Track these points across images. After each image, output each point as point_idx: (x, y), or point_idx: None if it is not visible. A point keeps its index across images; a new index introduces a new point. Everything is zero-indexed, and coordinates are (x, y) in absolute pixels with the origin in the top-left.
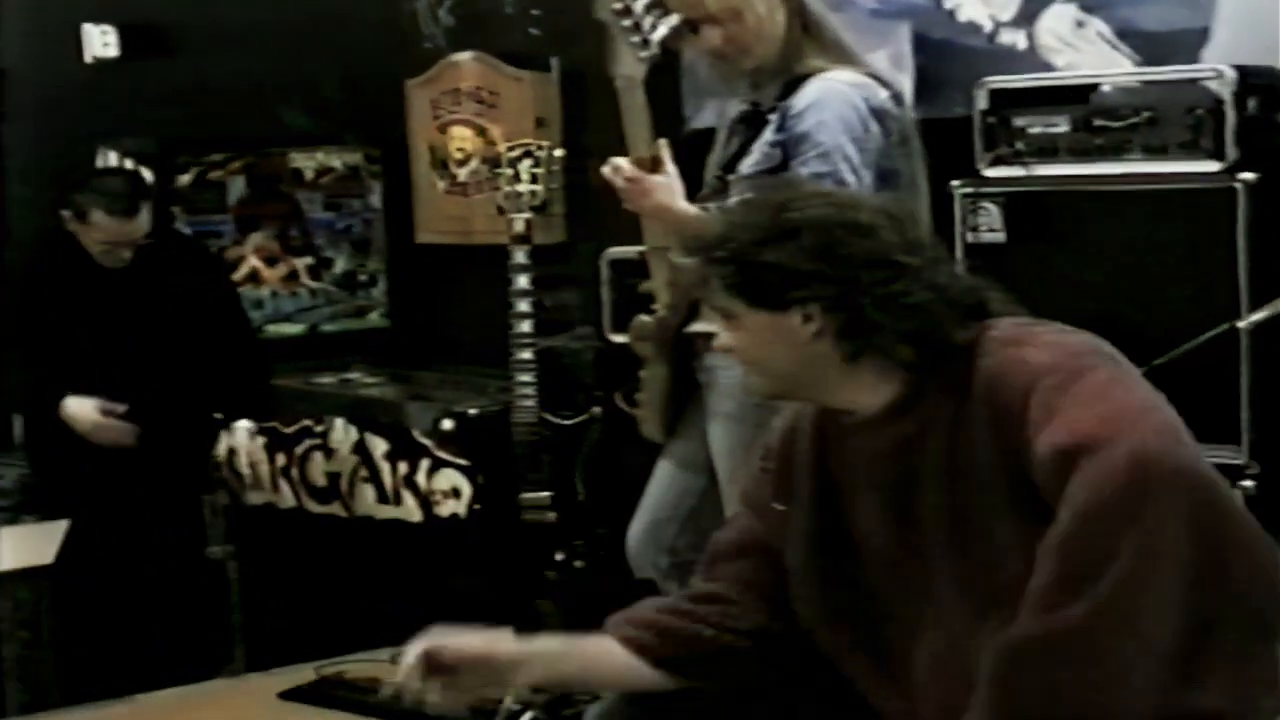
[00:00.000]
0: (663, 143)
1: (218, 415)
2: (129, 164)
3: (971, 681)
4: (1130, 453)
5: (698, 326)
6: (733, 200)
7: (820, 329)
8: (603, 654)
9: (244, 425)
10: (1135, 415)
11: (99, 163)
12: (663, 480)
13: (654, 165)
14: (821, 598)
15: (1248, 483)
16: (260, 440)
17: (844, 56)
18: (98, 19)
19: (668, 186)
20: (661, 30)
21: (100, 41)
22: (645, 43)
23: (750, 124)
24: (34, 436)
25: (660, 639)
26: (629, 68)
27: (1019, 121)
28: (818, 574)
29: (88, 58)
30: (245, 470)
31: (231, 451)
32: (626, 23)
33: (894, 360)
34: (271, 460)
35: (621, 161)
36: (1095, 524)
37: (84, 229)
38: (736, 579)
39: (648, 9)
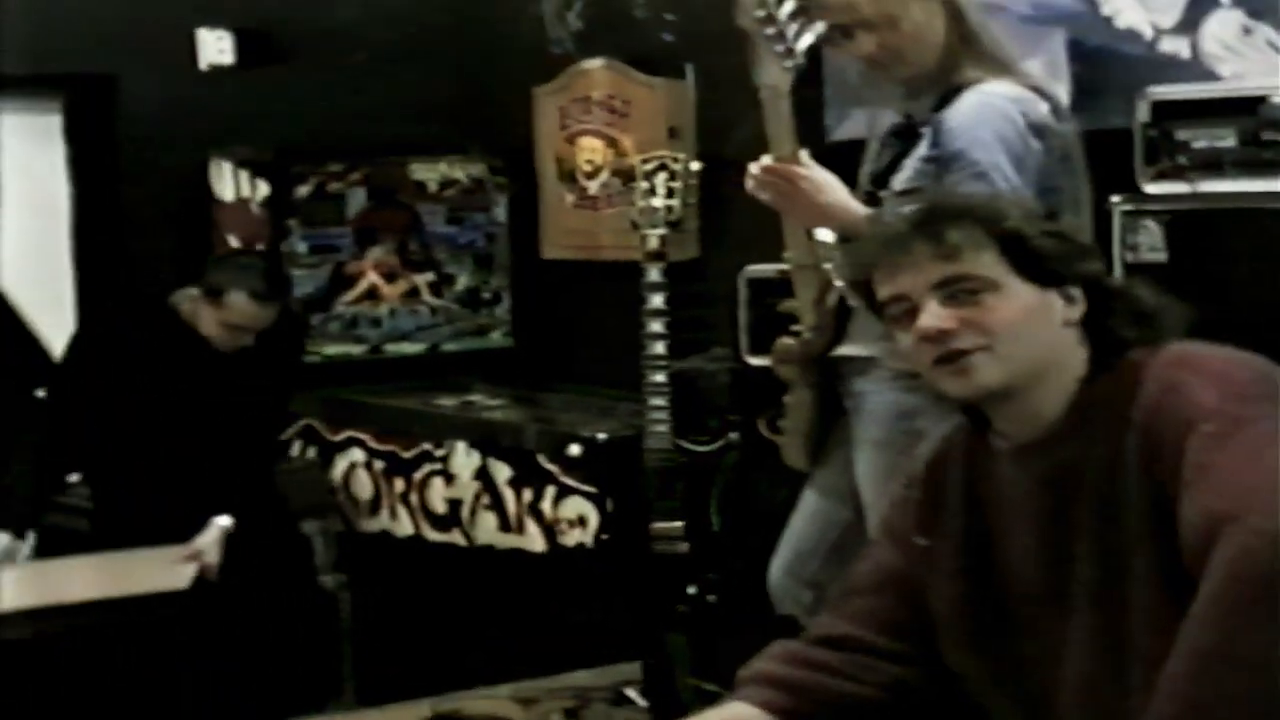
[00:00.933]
0: (804, 152)
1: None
2: (243, 174)
3: None
4: (1275, 533)
5: (844, 350)
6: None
7: (1080, 312)
8: None
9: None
10: None
11: (212, 173)
12: (806, 511)
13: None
14: (971, 637)
15: None
16: None
17: (1003, 67)
18: (212, 24)
19: (832, 183)
20: (807, 39)
21: (215, 48)
22: (790, 52)
23: (903, 137)
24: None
25: (795, 698)
26: (773, 77)
27: (1182, 134)
28: (969, 613)
29: (202, 64)
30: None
31: (347, 476)
32: (770, 31)
33: (1119, 344)
34: (389, 485)
35: (769, 159)
36: (1230, 613)
37: (213, 309)
38: (872, 617)
39: (792, 17)
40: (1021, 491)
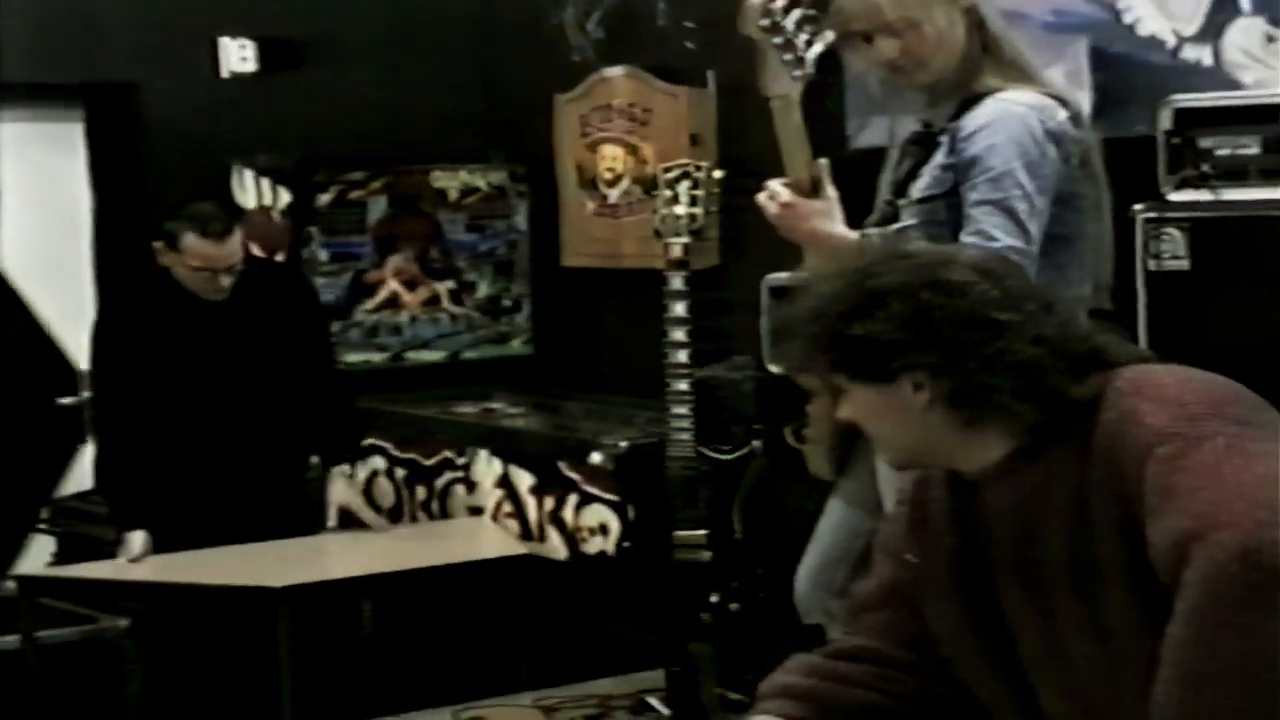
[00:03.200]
0: (823, 163)
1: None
2: (265, 182)
3: None
4: (1241, 546)
5: None
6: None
7: (932, 397)
8: None
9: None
10: (1248, 497)
11: (233, 181)
12: (832, 520)
13: (813, 187)
14: (975, 653)
15: None
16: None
17: (1023, 75)
18: (235, 33)
19: (825, 211)
20: (817, 48)
21: (238, 55)
22: (799, 61)
23: (923, 145)
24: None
25: (816, 710)
26: (783, 87)
27: (1205, 142)
28: (970, 628)
29: (224, 72)
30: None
31: (369, 483)
32: (777, 40)
33: (1016, 420)
34: (411, 493)
35: (778, 186)
36: (1209, 629)
37: (177, 257)
38: (887, 630)
39: (799, 25)
40: (993, 511)
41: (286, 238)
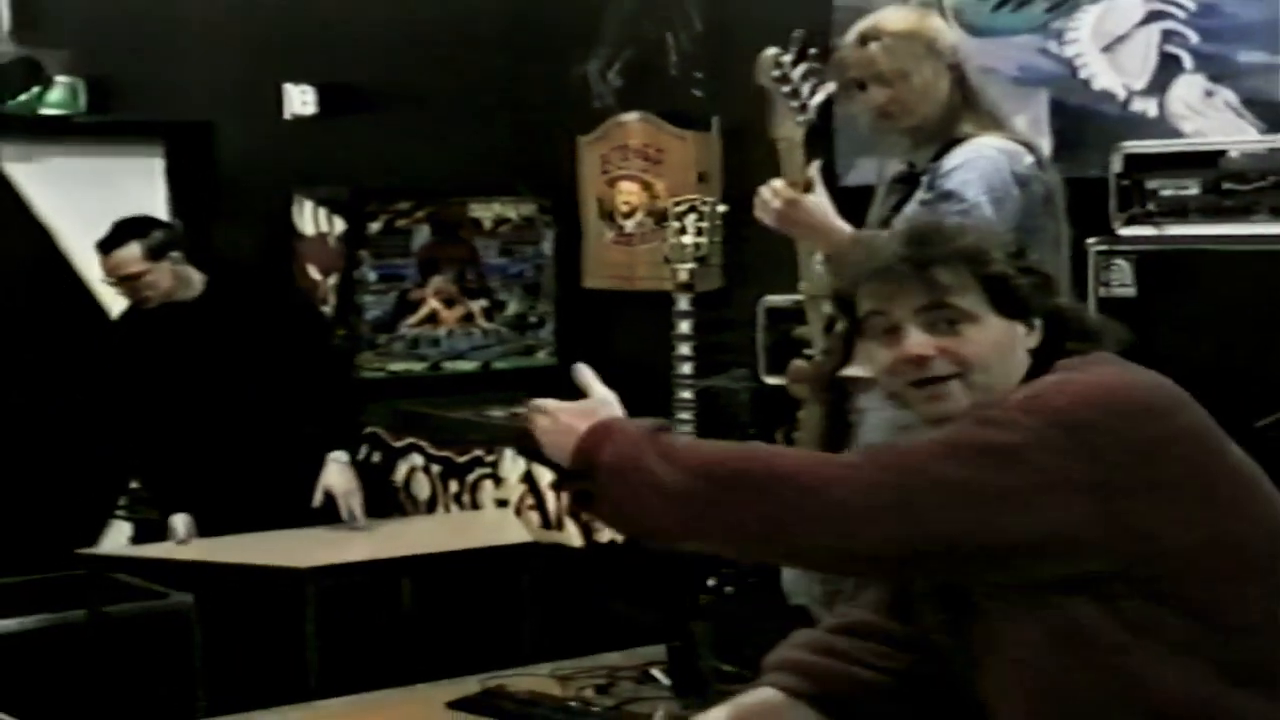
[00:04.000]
0: (815, 164)
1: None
2: (322, 211)
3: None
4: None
5: (851, 370)
6: (920, 217)
7: (1037, 339)
8: (767, 707)
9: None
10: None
11: (294, 210)
12: None
13: (806, 188)
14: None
15: None
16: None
17: (995, 123)
18: (297, 79)
19: (821, 205)
20: (819, 97)
21: (299, 100)
22: (804, 108)
23: (906, 183)
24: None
25: (816, 683)
26: (788, 130)
27: (1151, 184)
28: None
29: (287, 114)
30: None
31: (408, 478)
32: (785, 89)
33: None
34: (445, 487)
35: (780, 185)
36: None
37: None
38: (885, 604)
39: (805, 76)
40: None
41: (340, 260)
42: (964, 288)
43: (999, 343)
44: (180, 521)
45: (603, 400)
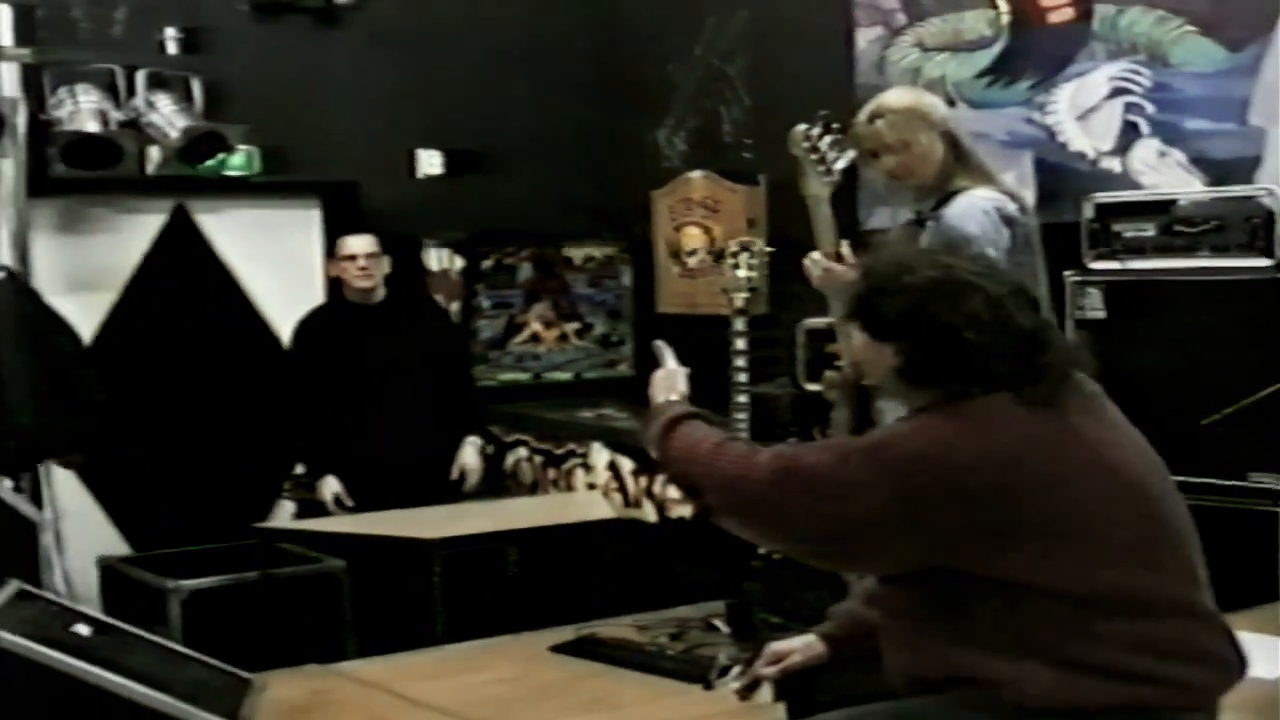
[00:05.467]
0: (845, 242)
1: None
2: (446, 252)
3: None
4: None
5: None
6: (892, 238)
7: (898, 364)
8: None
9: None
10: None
11: (424, 251)
12: None
13: (838, 258)
14: None
15: None
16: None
17: (986, 177)
18: (427, 145)
19: (849, 272)
20: (842, 163)
21: (428, 162)
22: (829, 171)
23: (914, 227)
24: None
25: (844, 631)
26: (815, 189)
27: (1116, 227)
28: None
29: (419, 174)
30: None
31: (515, 467)
32: (813, 157)
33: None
34: (544, 474)
35: (819, 257)
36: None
37: (341, 263)
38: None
39: (830, 146)
40: None
41: (461, 291)
42: (847, 309)
43: (861, 351)
44: (330, 481)
45: (673, 370)
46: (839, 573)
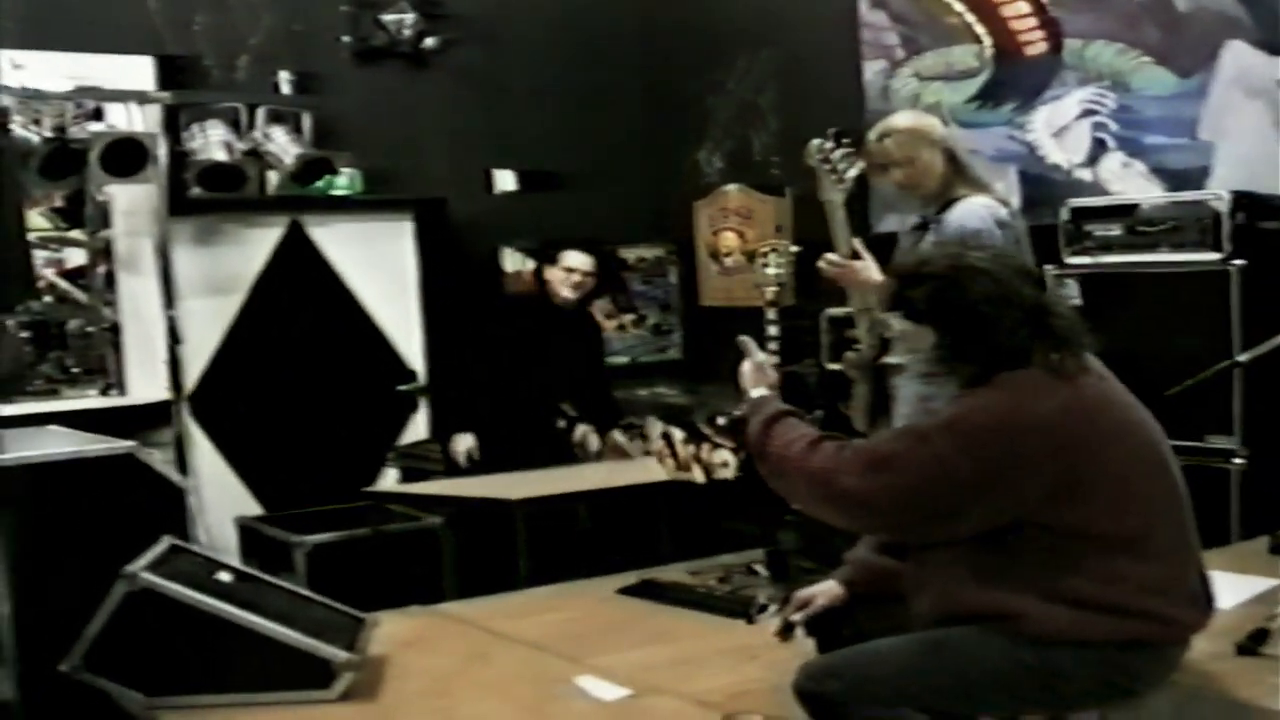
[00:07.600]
0: (858, 240)
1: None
2: (519, 255)
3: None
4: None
5: (887, 359)
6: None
7: (937, 340)
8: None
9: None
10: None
11: (500, 257)
12: None
13: (854, 256)
14: None
15: (1239, 461)
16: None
17: (981, 186)
18: (502, 165)
19: (867, 267)
20: (853, 172)
21: (504, 180)
22: (842, 180)
23: (921, 230)
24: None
25: (861, 576)
26: (831, 195)
27: (1089, 227)
28: None
29: (495, 191)
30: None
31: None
32: (826, 167)
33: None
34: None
35: (834, 257)
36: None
37: (557, 271)
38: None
39: (842, 159)
40: None
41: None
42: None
43: (906, 334)
44: (465, 437)
45: (761, 362)
46: (919, 541)
